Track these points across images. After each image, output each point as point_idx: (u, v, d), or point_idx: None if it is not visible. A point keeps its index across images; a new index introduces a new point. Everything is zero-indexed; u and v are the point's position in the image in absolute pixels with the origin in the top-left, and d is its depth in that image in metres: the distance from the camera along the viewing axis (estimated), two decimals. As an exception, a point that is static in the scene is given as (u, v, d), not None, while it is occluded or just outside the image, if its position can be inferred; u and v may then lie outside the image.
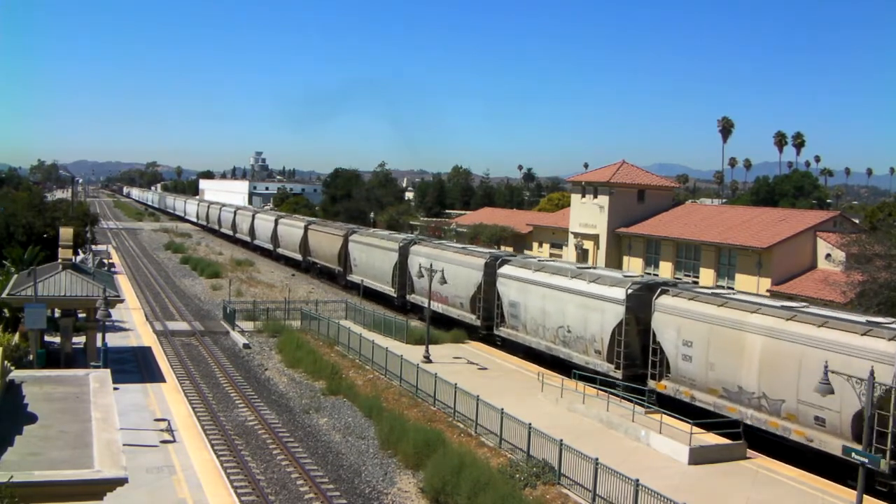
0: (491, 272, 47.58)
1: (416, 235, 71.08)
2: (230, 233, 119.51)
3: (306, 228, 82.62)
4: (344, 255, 71.04)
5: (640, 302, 36.27)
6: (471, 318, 49.79)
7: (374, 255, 64.42)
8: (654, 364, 34.98)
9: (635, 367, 36.46)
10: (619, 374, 36.44)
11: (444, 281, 45.55)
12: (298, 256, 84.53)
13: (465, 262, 50.85)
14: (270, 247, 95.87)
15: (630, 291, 36.65)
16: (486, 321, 48.21)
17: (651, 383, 35.11)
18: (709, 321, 31.99)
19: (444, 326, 50.15)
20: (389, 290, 60.79)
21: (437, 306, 50.53)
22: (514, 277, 45.50)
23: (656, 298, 35.18)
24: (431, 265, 46.98)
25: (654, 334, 35.09)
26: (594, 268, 45.99)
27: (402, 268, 58.71)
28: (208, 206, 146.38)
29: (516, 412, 28.87)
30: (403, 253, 58.86)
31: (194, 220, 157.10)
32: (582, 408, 32.58)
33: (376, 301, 62.57)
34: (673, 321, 33.90)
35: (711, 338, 31.76)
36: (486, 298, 48.05)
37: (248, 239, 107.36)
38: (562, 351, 40.83)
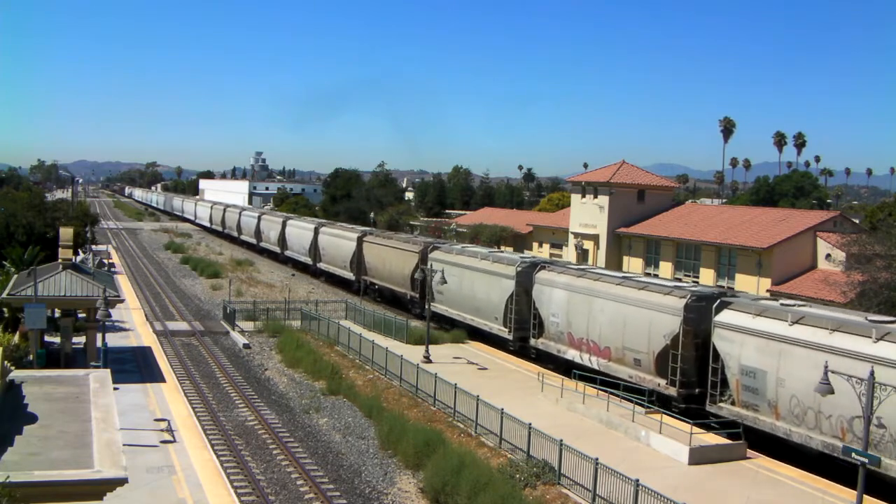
0: (525, 280, 43.47)
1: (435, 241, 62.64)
2: (252, 240, 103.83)
3: (360, 241, 68.02)
4: (420, 280, 53.50)
5: (699, 313, 32.61)
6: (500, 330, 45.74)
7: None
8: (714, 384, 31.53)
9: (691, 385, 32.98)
10: (672, 392, 33.12)
11: (472, 294, 44.74)
12: (350, 275, 69.42)
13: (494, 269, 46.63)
14: (309, 261, 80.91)
15: (688, 302, 33.08)
16: (520, 332, 44.03)
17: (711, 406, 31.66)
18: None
19: (478, 338, 47.49)
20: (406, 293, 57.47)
21: (465, 317, 48.91)
22: (558, 285, 40.72)
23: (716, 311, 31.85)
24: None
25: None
26: (649, 276, 44.32)
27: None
28: (224, 210, 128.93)
29: (516, 412, 28.86)
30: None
31: (206, 224, 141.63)
32: (582, 408, 32.57)
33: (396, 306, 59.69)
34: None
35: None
36: (519, 309, 43.71)
37: (277, 249, 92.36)
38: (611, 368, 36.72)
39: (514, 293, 44.01)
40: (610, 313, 36.80)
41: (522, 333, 43.77)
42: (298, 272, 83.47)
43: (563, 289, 40.18)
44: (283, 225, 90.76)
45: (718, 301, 32.08)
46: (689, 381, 32.89)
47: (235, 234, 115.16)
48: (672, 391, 33.13)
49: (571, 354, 39.14)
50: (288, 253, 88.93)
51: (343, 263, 70.65)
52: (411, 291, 56.95)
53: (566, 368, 38.37)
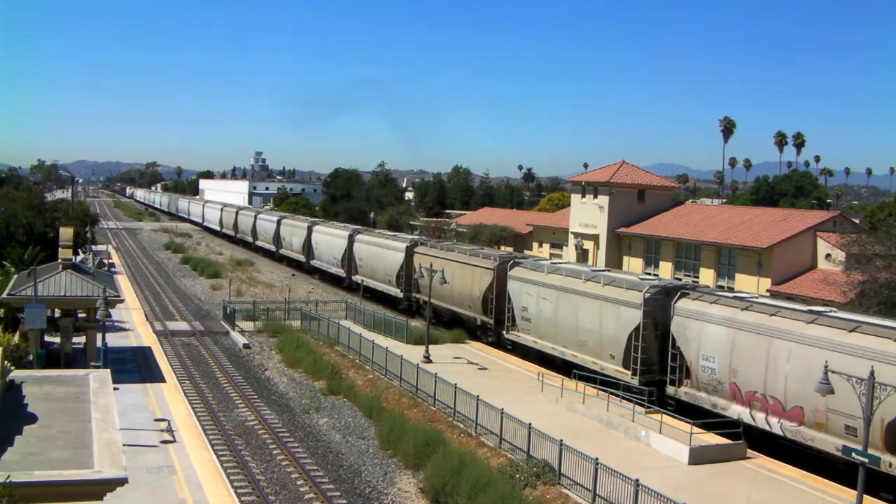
0: (657, 310, 34.83)
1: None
2: (271, 247, 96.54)
3: (409, 252, 58.71)
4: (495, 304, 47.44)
5: None
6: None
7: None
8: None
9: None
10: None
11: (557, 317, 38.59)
12: (395, 291, 60.12)
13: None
14: (342, 273, 71.84)
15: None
16: (648, 375, 35.39)
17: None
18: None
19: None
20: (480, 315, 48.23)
21: (561, 351, 40.61)
22: (713, 318, 32.10)
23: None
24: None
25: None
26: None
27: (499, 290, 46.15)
28: (236, 213, 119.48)
29: (516, 412, 28.86)
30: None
31: (216, 227, 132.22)
32: (582, 408, 32.56)
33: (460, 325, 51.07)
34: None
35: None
36: (646, 347, 34.90)
37: (301, 258, 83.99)
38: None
39: (640, 326, 34.72)
40: (801, 361, 27.62)
41: (651, 377, 34.67)
42: (329, 284, 75.37)
43: (721, 324, 31.19)
44: (310, 231, 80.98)
45: None
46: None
47: (250, 239, 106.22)
48: None
49: (736, 412, 30.07)
50: (316, 264, 79.00)
51: (387, 278, 61.29)
52: (483, 316, 47.56)
53: (712, 424, 29.33)
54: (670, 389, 33.41)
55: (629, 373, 35.00)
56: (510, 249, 70.88)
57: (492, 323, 46.50)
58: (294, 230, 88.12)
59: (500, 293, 45.76)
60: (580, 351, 38.50)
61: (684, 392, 32.84)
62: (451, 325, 50.85)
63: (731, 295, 34.25)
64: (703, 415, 30.71)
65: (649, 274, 56.67)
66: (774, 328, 29.00)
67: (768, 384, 28.84)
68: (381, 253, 63.15)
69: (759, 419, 29.07)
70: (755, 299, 32.85)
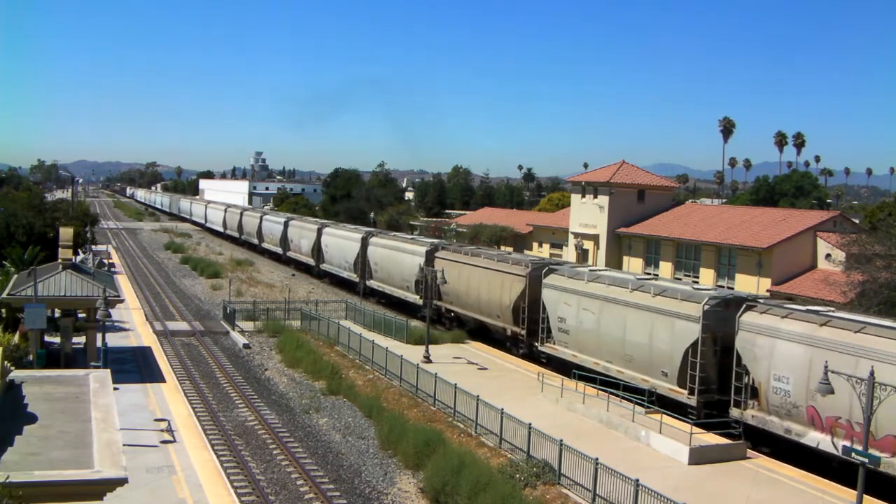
0: (719, 324, 31.96)
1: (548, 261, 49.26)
2: (277, 250, 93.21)
3: (429, 256, 54.96)
4: (526, 313, 44.33)
5: None
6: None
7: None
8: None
9: None
10: None
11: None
12: (414, 298, 56.66)
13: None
14: (355, 277, 68.43)
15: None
16: (706, 395, 32.51)
17: None
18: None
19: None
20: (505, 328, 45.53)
21: (605, 366, 37.66)
22: (787, 335, 28.98)
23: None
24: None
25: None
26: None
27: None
28: (241, 214, 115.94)
29: (516, 412, 28.86)
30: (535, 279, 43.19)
31: (220, 229, 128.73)
32: (582, 408, 32.56)
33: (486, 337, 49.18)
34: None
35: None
36: (704, 364, 31.96)
37: (311, 262, 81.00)
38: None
39: (698, 341, 31.78)
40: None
41: (709, 397, 31.89)
42: (339, 288, 72.05)
43: (797, 342, 28.23)
44: (319, 233, 78.37)
45: None
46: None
47: (255, 241, 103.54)
48: None
49: (815, 438, 27.44)
50: (326, 268, 76.33)
51: (405, 283, 58.48)
52: (513, 326, 44.57)
53: (788, 451, 27.98)
54: (734, 412, 30.28)
55: (685, 392, 32.21)
56: (510, 249, 70.81)
57: (524, 334, 43.50)
58: (303, 232, 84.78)
59: (532, 302, 42.75)
60: (627, 367, 35.52)
61: (751, 415, 29.80)
62: (476, 334, 48.73)
63: (803, 308, 30.70)
64: (773, 441, 28.53)
65: (648, 274, 56.70)
66: (861, 347, 26.14)
67: (854, 409, 24.77)
68: (398, 257, 59.99)
69: (843, 447, 24.00)
70: (832, 313, 29.54)
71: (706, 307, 31.81)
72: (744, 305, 30.92)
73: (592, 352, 38.05)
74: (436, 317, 52.18)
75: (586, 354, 38.28)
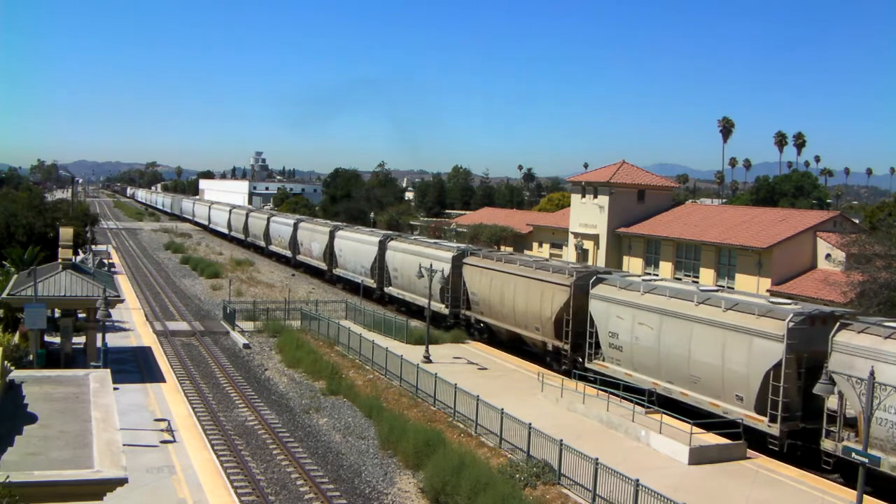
0: (806, 341, 28.47)
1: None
2: (286, 253, 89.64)
3: (455, 262, 51.95)
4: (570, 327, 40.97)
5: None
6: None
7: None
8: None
9: None
10: None
11: None
12: (442, 307, 52.28)
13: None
14: (372, 283, 64.26)
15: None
16: (789, 423, 29.12)
17: None
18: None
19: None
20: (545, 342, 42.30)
21: (666, 388, 34.37)
22: None
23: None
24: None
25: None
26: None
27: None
28: (246, 215, 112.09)
29: (516, 412, 28.86)
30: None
31: (224, 230, 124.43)
32: (582, 408, 32.55)
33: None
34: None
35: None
36: (788, 388, 28.67)
37: (323, 266, 77.30)
38: None
39: (781, 362, 28.37)
40: None
41: (793, 425, 28.71)
42: (354, 294, 65.97)
43: None
44: (332, 236, 74.88)
45: None
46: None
47: (262, 243, 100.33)
48: None
49: None
50: (340, 273, 72.42)
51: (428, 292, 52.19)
52: (555, 340, 41.11)
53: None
54: (827, 444, 26.89)
55: (765, 419, 28.78)
56: (510, 249, 70.82)
57: (567, 349, 39.99)
58: (314, 235, 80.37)
59: (577, 314, 39.24)
60: (692, 389, 32.22)
61: (844, 447, 24.98)
62: (510, 348, 45.71)
63: None
64: (875, 478, 24.61)
65: (648, 273, 56.68)
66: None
67: None
68: (421, 263, 51.70)
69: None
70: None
71: (790, 324, 28.28)
72: (838, 323, 27.36)
73: (651, 371, 34.51)
74: (463, 325, 50.52)
75: (643, 374, 34.78)
